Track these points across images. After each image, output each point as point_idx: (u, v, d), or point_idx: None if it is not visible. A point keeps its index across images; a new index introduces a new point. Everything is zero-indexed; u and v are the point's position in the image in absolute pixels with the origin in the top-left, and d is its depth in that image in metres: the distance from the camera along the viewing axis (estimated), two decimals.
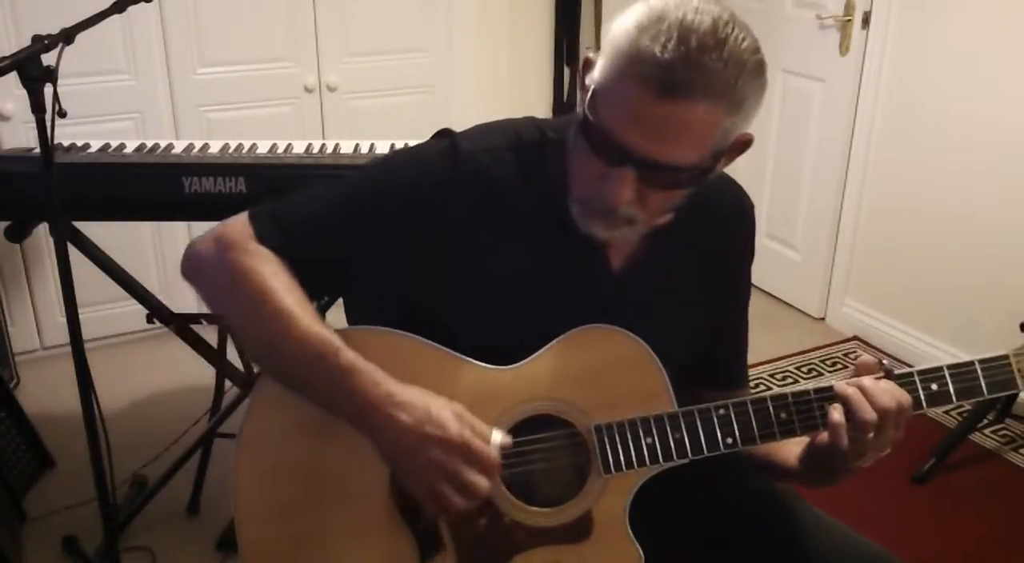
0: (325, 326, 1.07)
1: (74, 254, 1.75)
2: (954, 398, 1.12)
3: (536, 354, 1.13)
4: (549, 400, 1.12)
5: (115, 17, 1.65)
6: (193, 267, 1.14)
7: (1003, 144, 2.70)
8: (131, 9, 1.67)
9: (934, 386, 1.12)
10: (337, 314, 1.27)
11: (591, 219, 1.08)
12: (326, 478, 1.12)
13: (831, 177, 3.27)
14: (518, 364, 1.13)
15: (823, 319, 3.45)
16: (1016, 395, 2.62)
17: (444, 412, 1.03)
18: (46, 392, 2.84)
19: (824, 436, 1.10)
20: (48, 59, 1.49)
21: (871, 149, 3.15)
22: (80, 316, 1.67)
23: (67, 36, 1.53)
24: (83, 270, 2.01)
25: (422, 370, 1.11)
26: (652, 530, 1.25)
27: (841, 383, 1.09)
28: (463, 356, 1.13)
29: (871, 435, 1.07)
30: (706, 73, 0.94)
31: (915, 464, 2.49)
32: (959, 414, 2.77)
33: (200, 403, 2.50)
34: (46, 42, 1.50)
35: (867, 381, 1.09)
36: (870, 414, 1.06)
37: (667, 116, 0.96)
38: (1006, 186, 2.71)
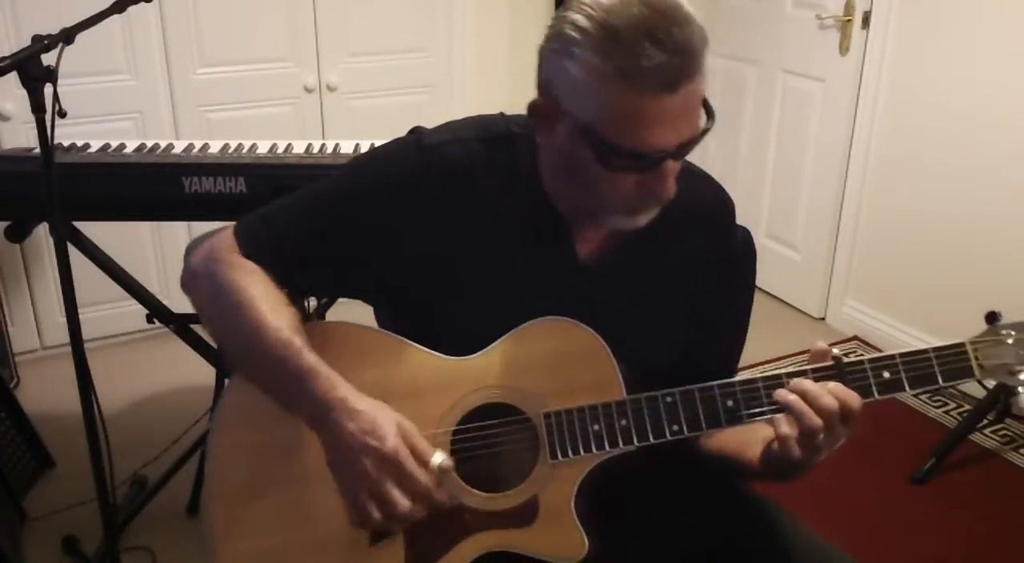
0: (294, 330, 1.11)
1: (74, 254, 1.75)
2: (907, 387, 1.10)
3: (493, 344, 1.15)
4: (503, 388, 1.15)
5: (115, 17, 1.65)
6: (186, 281, 1.21)
7: (1003, 143, 2.70)
8: (131, 9, 1.67)
9: (886, 374, 1.10)
10: (345, 312, 1.28)
11: (637, 218, 1.10)
12: (294, 459, 1.15)
13: (831, 177, 3.27)
14: (475, 354, 1.15)
15: (823, 319, 3.45)
16: (1016, 395, 2.62)
17: (388, 426, 1.04)
18: (46, 392, 2.84)
19: (775, 445, 1.09)
20: (48, 59, 1.50)
21: (871, 149, 3.15)
22: (80, 316, 1.67)
23: (67, 36, 1.53)
24: (83, 270, 2.01)
25: (381, 359, 1.15)
26: (632, 541, 1.26)
27: (782, 390, 1.08)
28: (422, 347, 1.16)
29: (821, 437, 1.05)
30: (693, 45, 0.98)
31: (915, 464, 2.49)
32: (959, 414, 2.77)
33: (200, 403, 2.50)
34: (46, 42, 1.50)
35: (809, 384, 1.07)
36: (814, 420, 1.05)
37: (683, 100, 1.00)
38: (1006, 185, 2.71)
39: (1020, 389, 1.10)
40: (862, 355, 1.12)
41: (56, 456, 2.53)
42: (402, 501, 1.03)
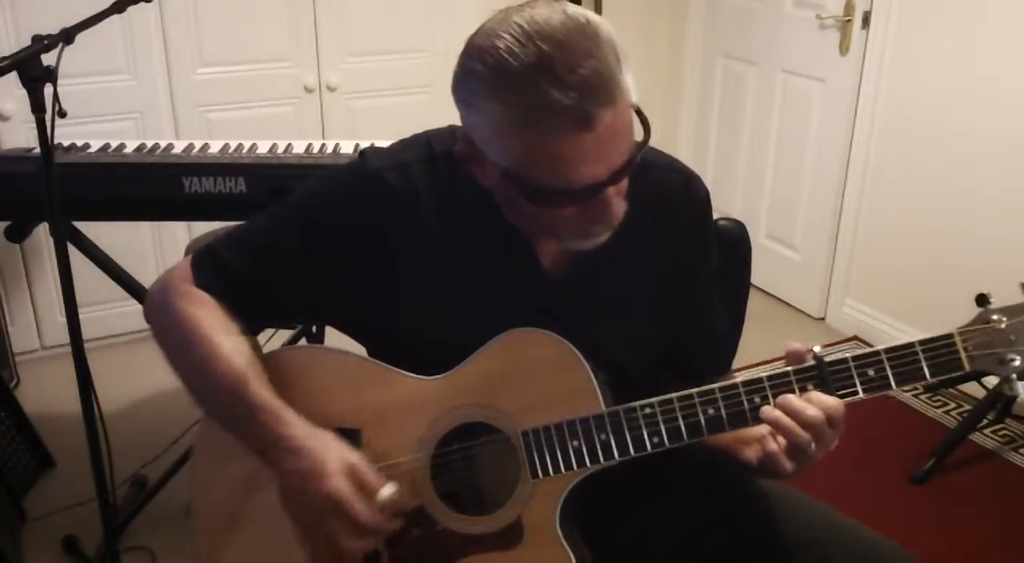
0: (247, 360, 1.10)
1: (74, 254, 1.75)
2: (893, 384, 1.05)
3: (465, 362, 1.13)
4: (478, 407, 1.12)
5: (115, 17, 1.65)
6: (146, 315, 1.21)
7: (1003, 144, 2.70)
8: (131, 9, 1.67)
9: (871, 372, 1.05)
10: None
11: (591, 240, 1.08)
12: (263, 499, 1.14)
13: (831, 177, 3.27)
14: (447, 373, 1.13)
15: (823, 319, 3.45)
16: (1009, 382, 2.61)
17: (332, 465, 1.03)
18: (46, 392, 2.84)
19: (765, 458, 1.07)
20: (48, 59, 1.49)
21: (871, 149, 3.15)
22: (80, 316, 1.67)
23: (67, 36, 1.53)
24: (83, 270, 2.01)
25: (356, 385, 1.14)
26: (640, 540, 1.25)
27: (767, 408, 1.05)
28: (394, 368, 1.14)
29: (812, 448, 1.04)
30: (602, 74, 0.94)
31: (915, 464, 2.49)
32: (959, 414, 2.77)
33: None
34: (46, 42, 1.50)
35: (792, 399, 1.04)
36: (802, 435, 1.03)
37: (607, 129, 0.95)
38: (1007, 185, 2.71)
39: (1014, 376, 1.04)
40: (846, 355, 1.07)
41: (56, 456, 2.53)
42: (351, 542, 1.03)
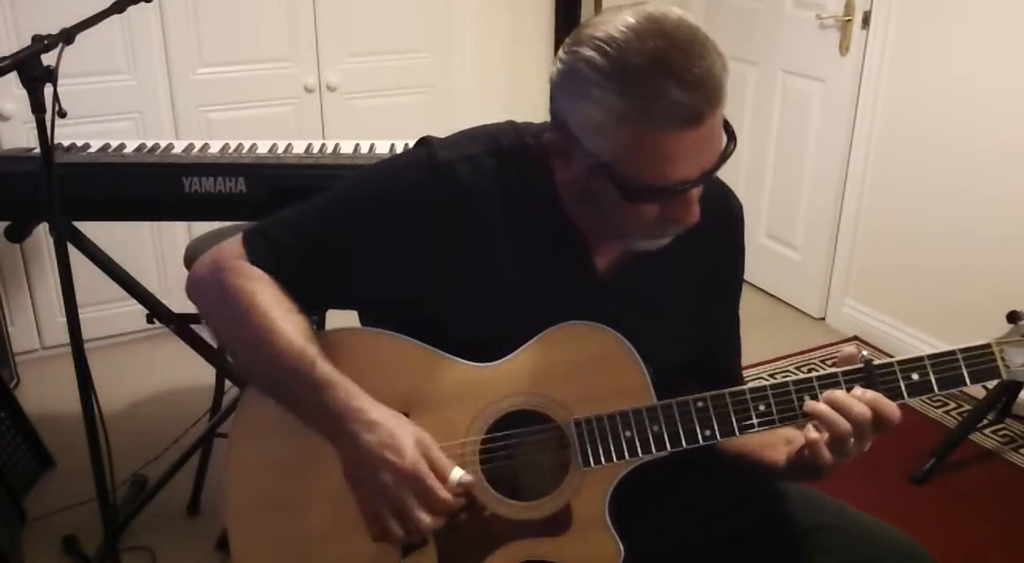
0: (307, 338, 1.10)
1: (74, 254, 1.75)
2: (936, 388, 1.12)
3: (518, 351, 1.14)
4: (530, 395, 1.14)
5: (115, 17, 1.65)
6: (192, 289, 1.19)
7: (1003, 144, 2.70)
8: (131, 9, 1.67)
9: (915, 376, 1.12)
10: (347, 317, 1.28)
11: (660, 240, 1.10)
12: (314, 474, 1.14)
13: (831, 177, 3.27)
14: (500, 361, 1.14)
15: (823, 319, 3.45)
16: (1016, 395, 2.62)
17: (407, 440, 1.04)
18: (46, 392, 2.84)
19: (805, 451, 1.10)
20: (48, 59, 1.49)
21: (871, 149, 3.15)
22: (80, 316, 1.67)
23: (67, 36, 1.53)
24: (83, 270, 2.01)
25: (406, 368, 1.14)
26: (652, 533, 1.25)
27: (811, 402, 1.10)
28: (447, 354, 1.15)
29: (851, 443, 1.07)
30: (714, 75, 0.97)
31: (915, 464, 2.49)
32: (959, 414, 2.77)
33: (200, 403, 2.51)
34: (46, 42, 1.50)
35: (840, 394, 1.08)
36: (845, 427, 1.07)
37: (708, 129, 0.99)
38: (1006, 186, 2.71)
39: None
40: (891, 359, 1.12)
41: (56, 456, 2.53)
42: (424, 517, 1.03)
